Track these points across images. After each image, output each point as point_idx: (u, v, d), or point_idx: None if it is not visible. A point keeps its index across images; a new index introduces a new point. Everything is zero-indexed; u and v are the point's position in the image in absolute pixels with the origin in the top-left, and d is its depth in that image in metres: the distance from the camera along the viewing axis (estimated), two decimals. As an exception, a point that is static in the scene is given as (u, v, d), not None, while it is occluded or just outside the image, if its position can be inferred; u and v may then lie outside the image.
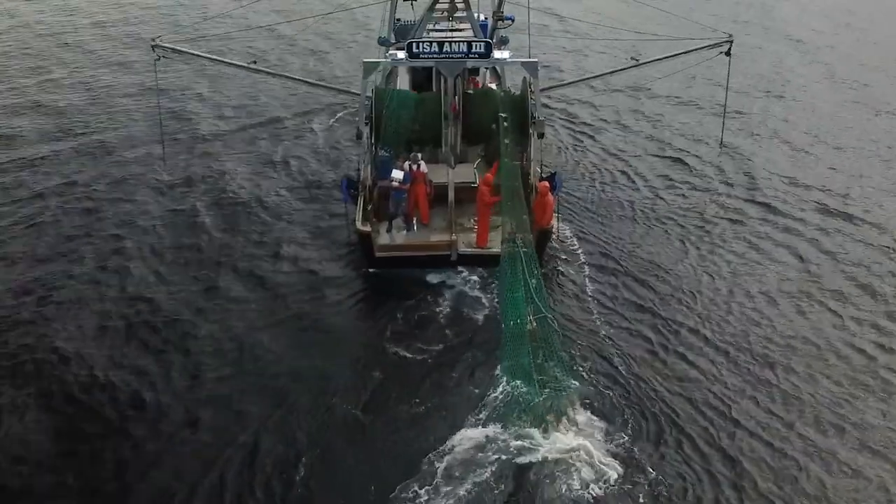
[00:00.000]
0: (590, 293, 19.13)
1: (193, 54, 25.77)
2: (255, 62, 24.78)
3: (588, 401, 15.32)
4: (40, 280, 19.34)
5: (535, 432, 14.33)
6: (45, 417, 14.91)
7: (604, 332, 17.63)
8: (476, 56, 19.83)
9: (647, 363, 16.70)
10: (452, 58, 19.74)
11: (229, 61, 25.86)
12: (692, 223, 22.80)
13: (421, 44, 19.70)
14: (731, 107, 25.66)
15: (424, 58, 19.87)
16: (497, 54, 19.97)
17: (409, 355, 16.59)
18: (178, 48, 24.18)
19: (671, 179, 25.88)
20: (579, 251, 20.90)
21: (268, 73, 25.47)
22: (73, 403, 15.34)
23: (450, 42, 19.69)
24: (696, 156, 27.67)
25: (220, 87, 33.70)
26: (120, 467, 13.75)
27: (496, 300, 18.11)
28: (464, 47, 19.64)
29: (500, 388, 15.38)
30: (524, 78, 20.71)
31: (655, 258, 20.74)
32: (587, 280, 19.65)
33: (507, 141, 19.22)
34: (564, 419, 14.65)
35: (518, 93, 21.40)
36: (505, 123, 19.41)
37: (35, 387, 15.69)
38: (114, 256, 20.42)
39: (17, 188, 24.29)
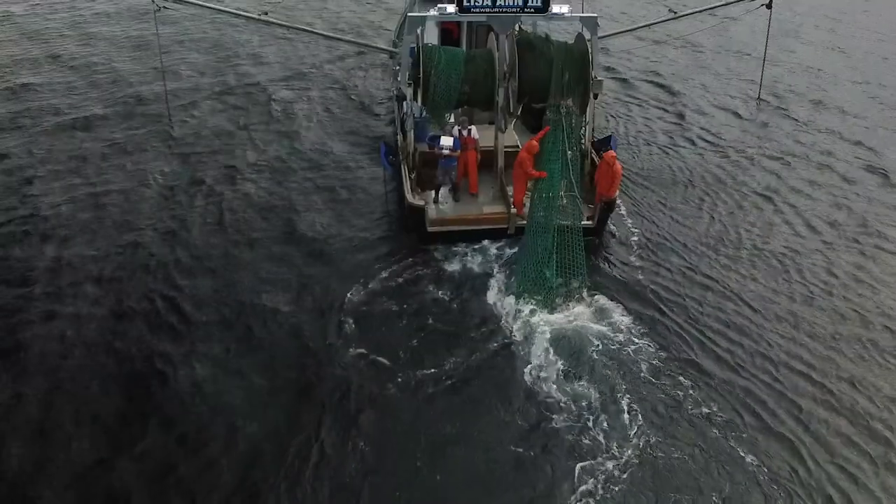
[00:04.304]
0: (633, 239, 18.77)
1: (197, 4, 23.60)
2: (266, 13, 22.81)
3: (602, 287, 16.25)
4: (44, 265, 17.20)
5: (546, 309, 15.32)
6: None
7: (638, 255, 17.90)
8: (532, 10, 18.13)
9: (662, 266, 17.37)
10: (507, 12, 18.02)
11: (238, 12, 23.66)
12: (727, 175, 22.09)
13: (473, -4, 17.89)
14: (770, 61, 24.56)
15: (476, 12, 18.10)
16: (555, 8, 18.27)
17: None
18: None
19: (706, 134, 24.80)
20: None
21: (282, 26, 23.43)
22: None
23: None
24: (734, 111, 26.61)
25: (228, 43, 31.07)
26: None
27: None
28: (520, 0, 17.92)
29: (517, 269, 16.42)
30: (579, 33, 19.00)
31: (685, 208, 20.24)
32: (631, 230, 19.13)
33: (569, 104, 17.80)
34: (575, 300, 15.65)
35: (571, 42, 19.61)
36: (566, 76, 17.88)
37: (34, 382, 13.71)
38: (126, 234, 18.34)
39: (15, 163, 21.89)
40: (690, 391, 13.64)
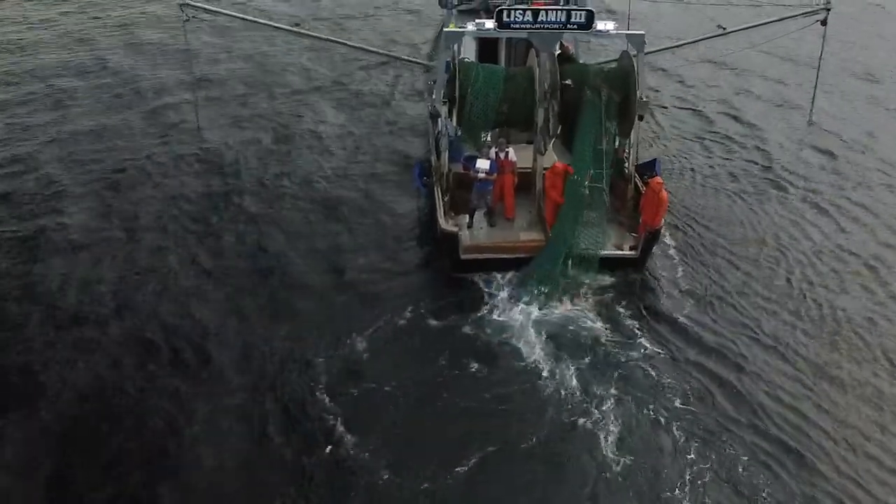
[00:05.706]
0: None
1: (227, 14, 22.98)
2: (298, 24, 22.16)
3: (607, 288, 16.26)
4: (62, 273, 16.90)
5: (552, 300, 15.63)
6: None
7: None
8: (575, 27, 17.24)
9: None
10: (548, 28, 17.12)
11: (268, 23, 23.03)
12: (771, 198, 20.99)
13: (513, 12, 16.99)
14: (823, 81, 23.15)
15: (516, 28, 17.22)
16: (599, 25, 17.32)
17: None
18: (210, 7, 21.52)
19: (752, 156, 23.48)
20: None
21: (314, 38, 22.75)
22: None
23: (546, 10, 17.01)
24: (782, 133, 25.15)
25: (259, 54, 30.22)
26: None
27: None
28: (562, 17, 17.00)
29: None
30: (623, 52, 18.02)
31: (725, 228, 19.42)
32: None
33: (608, 125, 16.95)
34: (579, 292, 15.91)
35: (615, 65, 18.63)
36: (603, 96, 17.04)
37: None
38: (149, 252, 17.86)
39: (44, 167, 21.58)
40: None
